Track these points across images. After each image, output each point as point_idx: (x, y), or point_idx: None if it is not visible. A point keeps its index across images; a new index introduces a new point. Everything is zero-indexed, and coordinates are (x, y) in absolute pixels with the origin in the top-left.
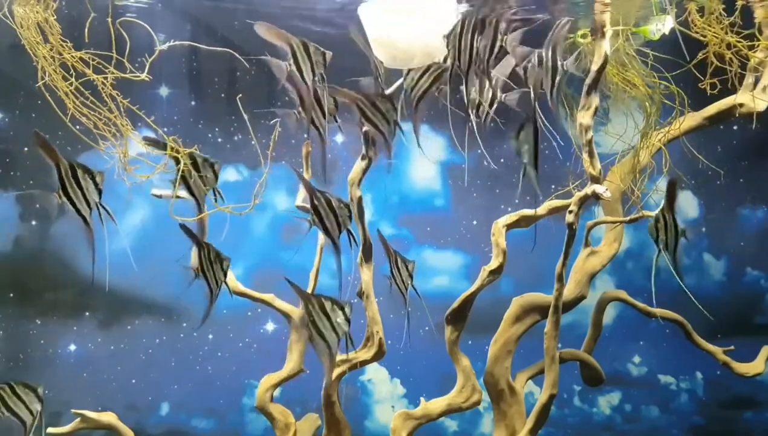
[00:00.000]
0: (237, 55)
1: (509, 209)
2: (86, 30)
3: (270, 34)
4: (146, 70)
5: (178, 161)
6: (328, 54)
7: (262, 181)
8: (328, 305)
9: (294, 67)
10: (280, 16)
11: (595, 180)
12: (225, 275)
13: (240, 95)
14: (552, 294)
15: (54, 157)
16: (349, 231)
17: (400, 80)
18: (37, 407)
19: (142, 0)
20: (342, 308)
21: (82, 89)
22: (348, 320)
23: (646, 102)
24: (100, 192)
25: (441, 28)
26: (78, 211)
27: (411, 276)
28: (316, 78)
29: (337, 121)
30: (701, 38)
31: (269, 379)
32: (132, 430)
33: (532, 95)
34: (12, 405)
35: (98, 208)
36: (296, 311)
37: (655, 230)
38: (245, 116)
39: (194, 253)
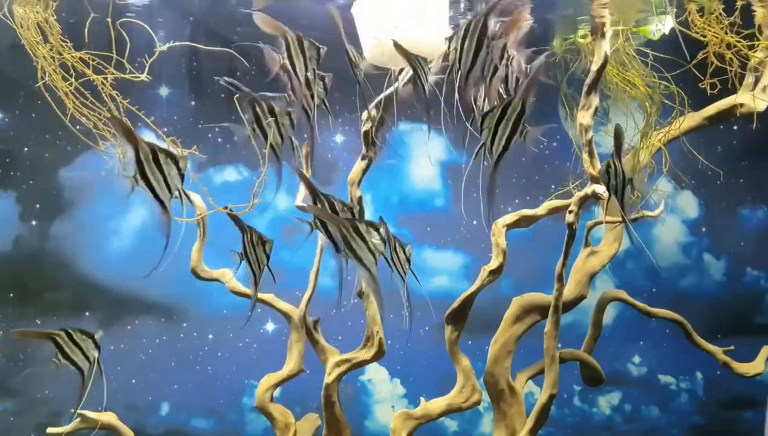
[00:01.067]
0: (235, 54)
1: (509, 209)
2: (86, 30)
3: (266, 24)
4: (146, 71)
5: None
6: (323, 49)
7: (260, 181)
8: (362, 227)
9: (287, 60)
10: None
11: (595, 180)
12: (268, 258)
13: (237, 95)
14: (552, 294)
15: (133, 139)
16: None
17: (396, 84)
18: (94, 353)
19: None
20: (377, 229)
21: (81, 89)
22: (384, 241)
23: (646, 102)
24: (182, 177)
25: (438, 28)
26: (156, 196)
27: (408, 260)
28: (308, 73)
29: (326, 108)
30: (701, 38)
31: (269, 379)
32: (132, 430)
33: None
34: (69, 352)
35: (180, 195)
36: (296, 311)
37: (607, 174)
38: (243, 118)
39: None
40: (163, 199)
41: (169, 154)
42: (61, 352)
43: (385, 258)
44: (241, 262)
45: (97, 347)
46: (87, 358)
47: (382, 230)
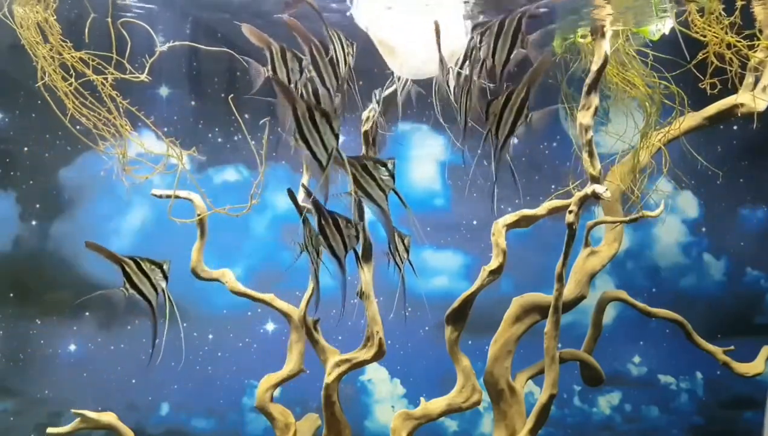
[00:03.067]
0: (234, 53)
1: (509, 209)
2: (86, 30)
3: (252, 35)
4: (146, 71)
5: None
6: (306, 61)
7: (257, 181)
8: (370, 164)
9: (271, 72)
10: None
11: (595, 180)
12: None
13: (231, 95)
14: (552, 294)
15: (290, 97)
16: (355, 251)
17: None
18: (162, 284)
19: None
20: (384, 164)
21: (81, 90)
22: (392, 176)
23: (646, 102)
24: (336, 137)
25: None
26: (314, 155)
27: (407, 250)
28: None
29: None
30: (701, 38)
31: (269, 379)
32: (132, 430)
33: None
34: (137, 282)
35: (338, 153)
36: (296, 311)
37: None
38: (239, 119)
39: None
40: (321, 159)
41: (324, 114)
42: (129, 281)
43: (386, 254)
44: (301, 253)
45: (166, 277)
46: (154, 288)
47: (390, 165)
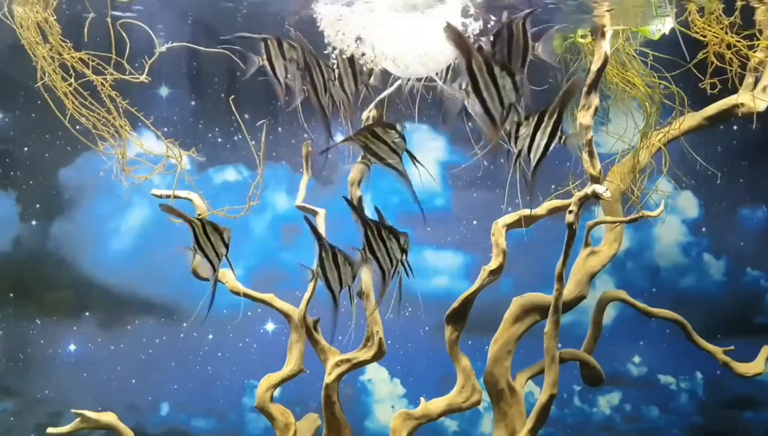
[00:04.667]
0: (231, 55)
1: (509, 209)
2: (86, 30)
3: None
4: (145, 72)
5: None
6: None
7: (256, 182)
8: (380, 130)
9: (266, 63)
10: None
11: (595, 180)
12: (354, 278)
13: (233, 96)
14: (552, 294)
15: (465, 48)
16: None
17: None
18: (222, 250)
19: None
20: (394, 127)
21: (80, 90)
22: (404, 138)
23: (646, 102)
24: (517, 90)
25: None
26: (488, 110)
27: (405, 251)
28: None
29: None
30: (701, 38)
31: (269, 379)
32: (132, 430)
33: None
34: (202, 243)
35: (515, 109)
36: (296, 311)
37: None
38: (239, 119)
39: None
40: (495, 116)
41: (505, 67)
42: (196, 241)
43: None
44: (312, 278)
45: (226, 245)
46: (216, 253)
47: (399, 127)
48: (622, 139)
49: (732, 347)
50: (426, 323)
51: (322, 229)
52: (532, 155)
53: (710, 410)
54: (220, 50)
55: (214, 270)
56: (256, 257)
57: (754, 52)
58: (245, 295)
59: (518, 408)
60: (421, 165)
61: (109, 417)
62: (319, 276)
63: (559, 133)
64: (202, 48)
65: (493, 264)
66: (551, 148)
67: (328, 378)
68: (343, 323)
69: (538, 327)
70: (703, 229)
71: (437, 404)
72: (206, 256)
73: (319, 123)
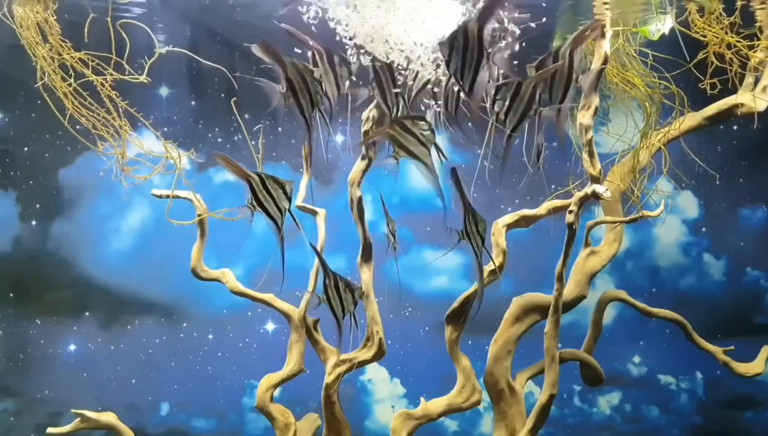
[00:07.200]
0: (229, 74)
1: (509, 209)
2: (86, 30)
3: (265, 53)
4: (145, 72)
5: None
6: (317, 71)
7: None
8: (408, 122)
9: (288, 90)
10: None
11: (595, 180)
12: (355, 304)
13: (234, 98)
14: (552, 294)
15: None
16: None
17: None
18: (285, 204)
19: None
20: (422, 119)
21: (80, 90)
22: (432, 131)
23: (646, 102)
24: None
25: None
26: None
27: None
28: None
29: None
30: (701, 38)
31: (269, 379)
32: (132, 430)
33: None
34: (262, 199)
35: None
36: (296, 311)
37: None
38: (239, 119)
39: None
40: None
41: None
42: (255, 197)
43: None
44: (319, 303)
45: (288, 198)
46: (278, 208)
47: (428, 117)
48: (622, 139)
49: (732, 347)
50: (426, 323)
51: (322, 229)
52: (508, 120)
53: (710, 410)
54: (215, 66)
55: (278, 227)
56: (256, 257)
57: (754, 52)
58: (245, 295)
59: (518, 408)
60: (446, 158)
61: (109, 417)
62: (324, 302)
63: (534, 107)
64: (200, 59)
65: (493, 264)
66: (528, 115)
67: (328, 378)
68: (343, 323)
69: (538, 327)
70: (703, 229)
71: (437, 404)
72: (267, 212)
73: (318, 123)
